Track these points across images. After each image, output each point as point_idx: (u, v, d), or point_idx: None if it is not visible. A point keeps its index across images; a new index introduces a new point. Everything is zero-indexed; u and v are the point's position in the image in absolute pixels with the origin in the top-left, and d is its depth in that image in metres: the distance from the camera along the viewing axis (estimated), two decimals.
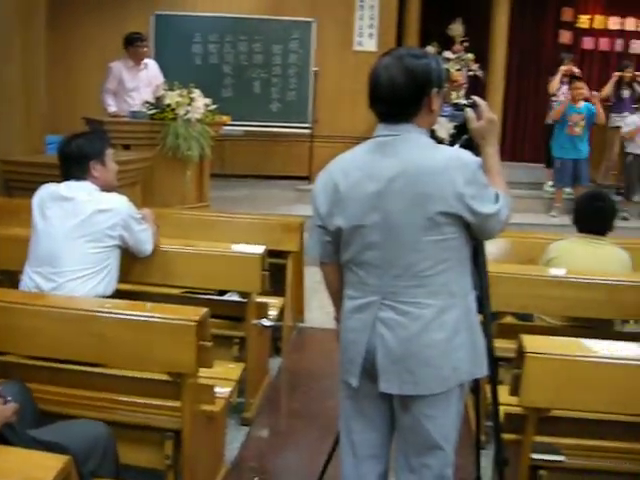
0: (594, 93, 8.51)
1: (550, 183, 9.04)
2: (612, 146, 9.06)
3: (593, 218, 3.87)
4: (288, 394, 4.63)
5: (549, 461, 2.69)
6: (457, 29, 10.66)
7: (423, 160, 2.22)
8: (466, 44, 10.51)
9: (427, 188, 2.18)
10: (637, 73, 9.45)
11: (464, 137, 2.46)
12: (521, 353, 2.52)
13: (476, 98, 2.47)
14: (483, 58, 10.87)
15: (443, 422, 2.34)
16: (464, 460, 3.41)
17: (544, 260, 3.90)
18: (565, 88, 8.83)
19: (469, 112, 2.42)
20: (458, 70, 10.34)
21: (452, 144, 2.45)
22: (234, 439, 3.77)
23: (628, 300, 3.46)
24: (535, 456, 2.68)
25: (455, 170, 2.19)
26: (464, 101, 2.48)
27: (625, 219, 8.41)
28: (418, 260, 2.23)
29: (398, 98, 2.23)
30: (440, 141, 2.45)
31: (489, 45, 10.97)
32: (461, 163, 2.22)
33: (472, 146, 2.41)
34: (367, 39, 10.06)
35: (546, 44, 12.41)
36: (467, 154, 2.29)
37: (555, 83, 9.02)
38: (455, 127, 2.50)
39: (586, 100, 8.35)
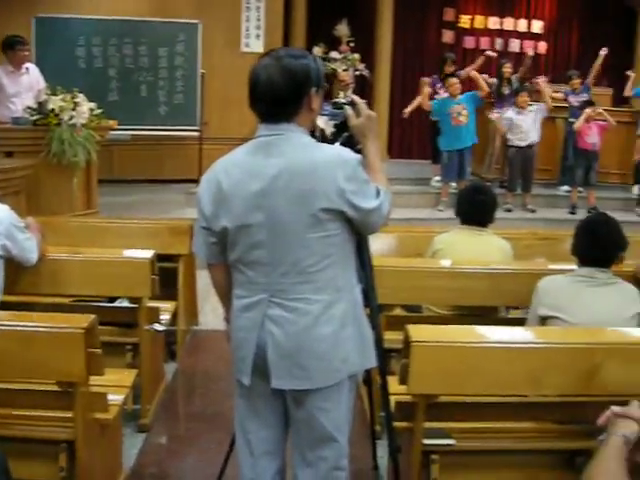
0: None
1: (437, 178, 9.24)
2: (494, 140, 9.36)
3: (475, 210, 4.00)
4: (185, 398, 4.60)
5: (440, 445, 2.78)
6: (343, 30, 10.81)
7: (305, 158, 2.26)
8: (352, 44, 10.68)
9: (309, 185, 2.22)
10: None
11: (344, 135, 2.51)
12: (407, 343, 2.60)
13: (354, 96, 2.53)
14: (369, 58, 11.07)
15: (336, 414, 2.39)
16: (361, 451, 3.49)
17: (429, 252, 4.03)
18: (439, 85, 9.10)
19: (348, 110, 2.47)
20: (345, 70, 10.49)
21: (333, 142, 2.50)
22: (132, 446, 3.72)
23: (509, 288, 3.60)
24: (427, 442, 2.76)
25: (336, 167, 2.24)
26: (343, 100, 2.53)
27: (509, 210, 8.73)
28: (304, 257, 2.27)
29: (278, 98, 2.26)
30: (329, 140, 2.50)
31: (375, 45, 11.18)
32: (341, 160, 2.27)
33: (352, 143, 2.47)
34: (254, 40, 10.07)
35: (429, 43, 12.78)
36: (347, 151, 2.34)
37: (426, 101, 9.14)
38: (335, 125, 2.55)
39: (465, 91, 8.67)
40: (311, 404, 2.36)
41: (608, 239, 3.18)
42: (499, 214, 8.37)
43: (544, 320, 3.13)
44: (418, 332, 2.60)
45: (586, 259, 3.19)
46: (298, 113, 2.30)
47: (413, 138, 12.51)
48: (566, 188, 9.43)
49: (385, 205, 2.35)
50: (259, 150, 2.30)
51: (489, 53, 9.22)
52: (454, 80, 8.50)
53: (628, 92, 9.69)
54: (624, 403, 1.83)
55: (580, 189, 9.04)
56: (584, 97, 9.22)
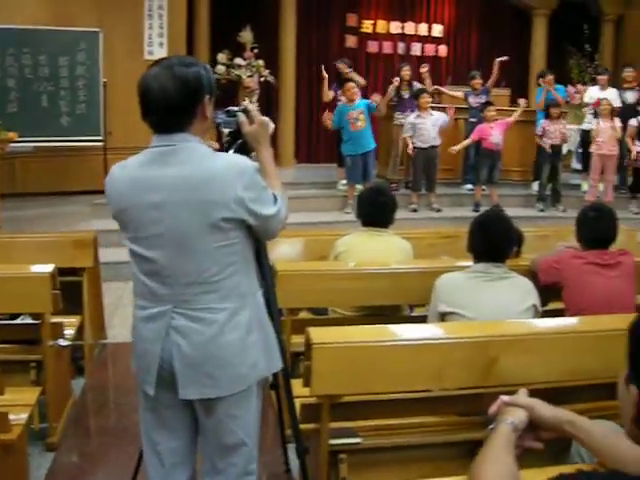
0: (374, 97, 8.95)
1: (343, 181, 9.29)
2: (398, 142, 9.48)
3: (376, 212, 4.06)
4: (95, 413, 4.50)
5: (347, 444, 2.83)
6: (247, 36, 10.81)
7: (202, 168, 2.26)
8: (256, 50, 10.70)
9: (208, 196, 2.23)
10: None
11: (238, 142, 2.53)
12: (308, 345, 2.63)
13: (246, 103, 2.56)
14: (274, 63, 11.12)
15: (245, 420, 2.41)
16: (273, 455, 3.52)
17: (332, 255, 4.07)
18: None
19: (241, 117, 2.49)
20: (250, 76, 10.50)
21: (227, 150, 2.51)
22: (40, 466, 3.63)
23: (410, 286, 3.67)
24: (333, 441, 2.79)
25: (234, 176, 2.25)
26: (236, 108, 2.55)
27: (414, 211, 8.90)
28: (207, 266, 2.28)
29: (172, 108, 2.25)
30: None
31: (279, 51, 11.24)
32: (239, 168, 2.28)
33: (246, 150, 2.49)
34: (157, 48, 9.97)
35: (333, 48, 12.89)
36: (244, 159, 2.35)
37: (326, 92, 9.32)
38: (229, 133, 2.56)
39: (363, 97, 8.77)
40: (221, 412, 2.36)
41: (500, 234, 3.28)
42: (405, 214, 8.60)
43: (443, 316, 3.22)
44: (318, 334, 2.63)
45: (480, 255, 3.30)
46: (192, 122, 2.30)
47: (320, 142, 12.60)
48: (469, 187, 9.68)
49: (283, 210, 2.39)
50: (155, 161, 2.29)
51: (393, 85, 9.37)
52: (351, 85, 8.55)
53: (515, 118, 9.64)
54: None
55: (483, 187, 9.28)
56: (483, 98, 9.50)
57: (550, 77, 9.82)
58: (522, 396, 1.84)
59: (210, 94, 2.34)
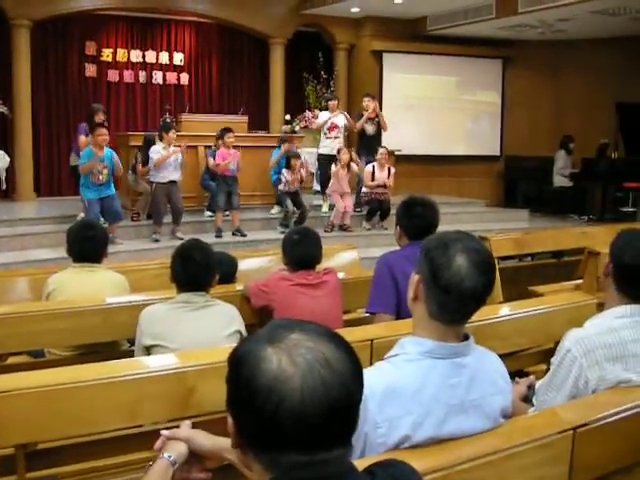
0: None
1: (82, 214, 9.00)
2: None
3: (86, 247, 3.99)
4: None
5: None
6: None
7: None
8: None
9: None
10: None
11: None
12: None
13: None
14: (8, 94, 10.69)
15: None
16: None
17: (44, 294, 3.92)
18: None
19: None
20: None
21: None
22: None
23: (122, 320, 3.60)
24: None
25: None
26: None
27: (157, 241, 8.85)
28: None
29: None
30: None
31: (13, 81, 10.81)
32: None
33: None
34: None
35: (72, 77, 12.60)
36: None
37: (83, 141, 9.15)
38: None
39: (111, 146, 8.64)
40: None
41: (200, 264, 3.29)
42: (148, 245, 8.52)
43: (149, 350, 3.19)
44: (3, 382, 2.50)
45: (182, 285, 3.29)
46: None
47: (62, 175, 12.16)
48: (210, 213, 9.81)
49: None
50: None
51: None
52: (103, 131, 8.32)
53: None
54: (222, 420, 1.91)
55: (226, 212, 9.42)
56: None
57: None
58: (183, 429, 1.86)
59: None
